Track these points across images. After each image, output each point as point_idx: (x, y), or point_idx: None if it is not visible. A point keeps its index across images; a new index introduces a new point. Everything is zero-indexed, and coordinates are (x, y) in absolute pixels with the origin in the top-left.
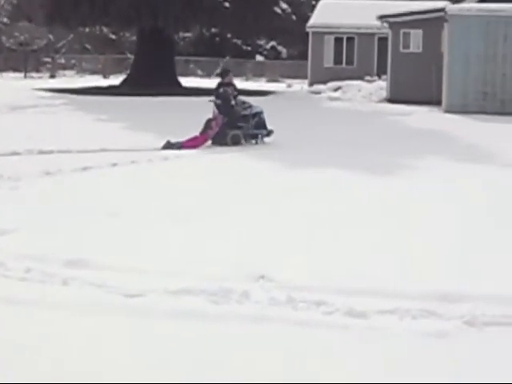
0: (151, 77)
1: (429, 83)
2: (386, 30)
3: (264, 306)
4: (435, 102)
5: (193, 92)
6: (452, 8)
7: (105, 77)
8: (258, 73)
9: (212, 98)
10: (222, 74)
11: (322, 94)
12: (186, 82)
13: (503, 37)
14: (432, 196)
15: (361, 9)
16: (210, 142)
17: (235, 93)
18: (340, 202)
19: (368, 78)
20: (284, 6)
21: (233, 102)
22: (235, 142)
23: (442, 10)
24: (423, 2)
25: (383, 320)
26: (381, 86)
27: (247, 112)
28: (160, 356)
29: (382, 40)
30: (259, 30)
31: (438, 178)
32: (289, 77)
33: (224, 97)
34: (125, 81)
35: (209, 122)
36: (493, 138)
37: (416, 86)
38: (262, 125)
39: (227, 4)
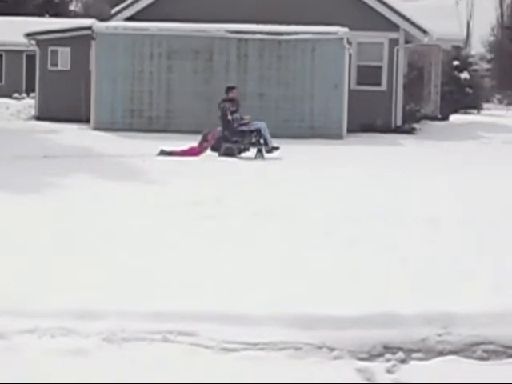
0: None
1: (78, 101)
2: (35, 48)
3: None
4: (84, 119)
5: None
6: (99, 26)
7: None
8: None
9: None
10: (226, 90)
11: None
12: None
13: (149, 55)
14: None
15: (9, 25)
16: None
17: (233, 108)
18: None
19: (16, 95)
20: None
21: (229, 117)
22: (227, 154)
23: (89, 28)
24: (72, 19)
25: (22, 339)
26: (30, 103)
27: (245, 128)
28: None
29: (31, 57)
30: None
31: (89, 194)
32: None
33: (222, 111)
34: None
35: (206, 134)
36: (136, 155)
37: (65, 104)
38: (260, 141)
39: None
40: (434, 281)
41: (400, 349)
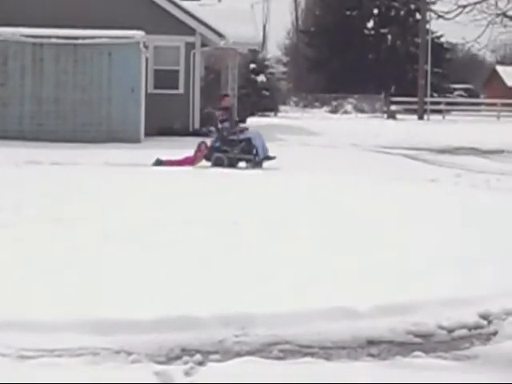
0: None
1: None
2: None
3: None
4: None
5: None
6: None
7: None
8: None
9: None
10: (220, 99)
11: None
12: None
13: None
14: None
15: None
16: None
17: (224, 117)
18: None
19: None
20: None
21: (219, 126)
22: (218, 164)
23: None
24: None
25: None
26: None
27: (235, 137)
28: None
29: None
30: None
31: None
32: None
33: (214, 120)
34: None
35: (200, 144)
36: None
37: None
38: (250, 150)
39: None
40: (232, 282)
41: (198, 351)
